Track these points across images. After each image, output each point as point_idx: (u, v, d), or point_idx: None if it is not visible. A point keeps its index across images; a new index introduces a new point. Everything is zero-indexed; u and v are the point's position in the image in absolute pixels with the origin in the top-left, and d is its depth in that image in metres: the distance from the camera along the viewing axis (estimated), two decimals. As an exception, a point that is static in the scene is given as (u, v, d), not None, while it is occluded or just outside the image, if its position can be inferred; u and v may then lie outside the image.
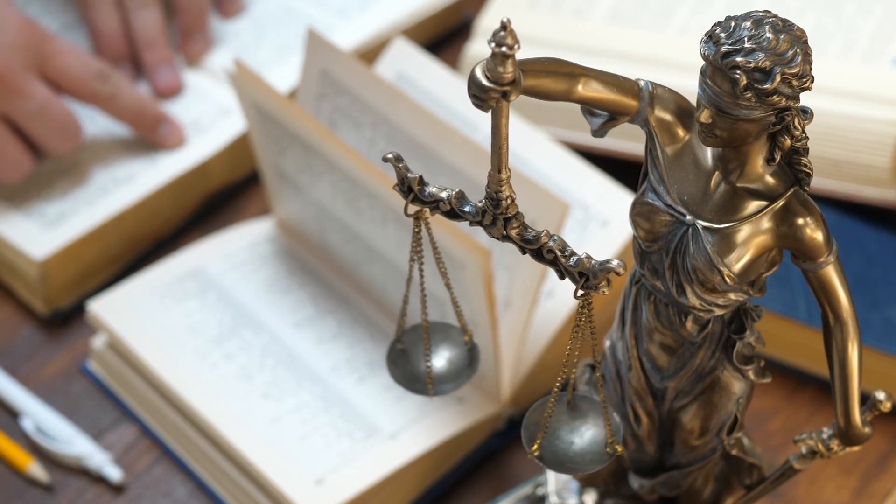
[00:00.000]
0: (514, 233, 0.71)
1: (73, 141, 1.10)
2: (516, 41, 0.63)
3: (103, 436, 1.03)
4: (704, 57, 0.68)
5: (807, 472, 0.97)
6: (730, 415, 0.79)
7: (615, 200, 1.02)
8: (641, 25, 1.14)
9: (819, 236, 0.71)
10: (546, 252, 0.71)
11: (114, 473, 1.00)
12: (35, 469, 1.00)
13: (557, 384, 0.74)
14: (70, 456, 1.01)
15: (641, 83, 0.72)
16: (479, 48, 1.15)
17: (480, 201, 0.71)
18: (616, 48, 1.12)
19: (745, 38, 0.67)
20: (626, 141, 1.08)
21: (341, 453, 0.97)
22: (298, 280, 1.07)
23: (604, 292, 0.70)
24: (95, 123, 1.15)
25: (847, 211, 1.06)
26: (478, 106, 0.66)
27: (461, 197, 0.72)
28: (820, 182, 1.06)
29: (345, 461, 0.96)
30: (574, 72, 0.69)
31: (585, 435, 0.76)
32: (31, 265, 1.07)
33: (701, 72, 0.69)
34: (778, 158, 0.71)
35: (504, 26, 0.63)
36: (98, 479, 1.01)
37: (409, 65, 1.10)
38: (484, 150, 0.93)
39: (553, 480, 0.90)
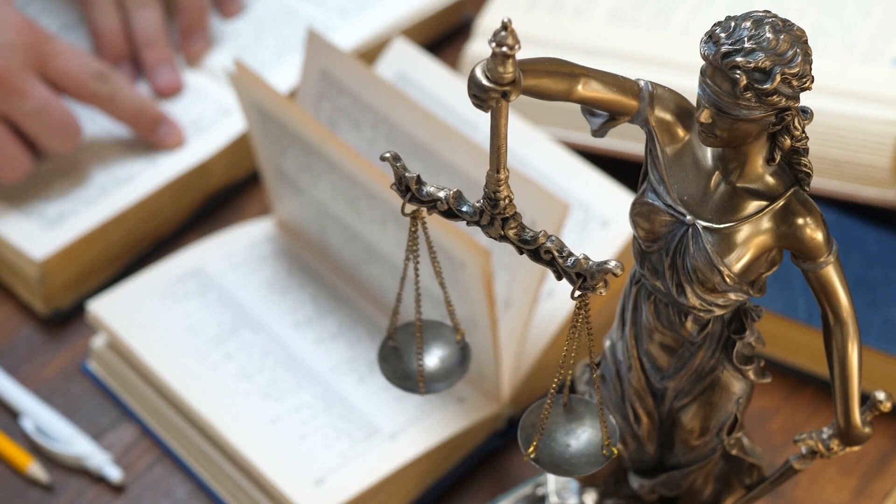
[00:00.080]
0: (511, 233, 0.71)
1: (73, 141, 1.10)
2: (517, 41, 0.63)
3: (103, 436, 1.03)
4: (704, 57, 0.68)
5: (807, 472, 0.97)
6: (730, 415, 0.79)
7: (615, 200, 1.02)
8: (641, 25, 1.14)
9: (819, 236, 0.71)
10: (543, 253, 0.71)
11: (114, 473, 1.00)
12: (35, 469, 1.00)
13: (554, 386, 0.74)
14: (70, 456, 1.01)
15: (641, 83, 0.72)
16: (479, 48, 1.15)
17: (478, 201, 0.71)
18: (616, 48, 1.12)
19: (745, 38, 0.67)
20: (626, 141, 1.08)
21: (341, 453, 0.97)
22: (298, 280, 1.07)
23: (601, 293, 0.70)
24: (95, 123, 1.15)
25: (847, 211, 1.06)
26: (478, 106, 0.66)
27: (459, 197, 0.72)
28: (820, 182, 1.06)
29: (345, 461, 0.96)
30: (574, 72, 0.69)
31: (582, 437, 0.76)
32: (31, 265, 1.07)
33: (701, 72, 0.69)
34: (778, 158, 0.71)
35: (505, 26, 0.63)
36: (98, 479, 1.01)
37: (409, 65, 1.10)
38: (484, 150, 0.93)
39: (553, 480, 0.90)
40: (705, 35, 0.69)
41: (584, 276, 0.70)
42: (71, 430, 1.01)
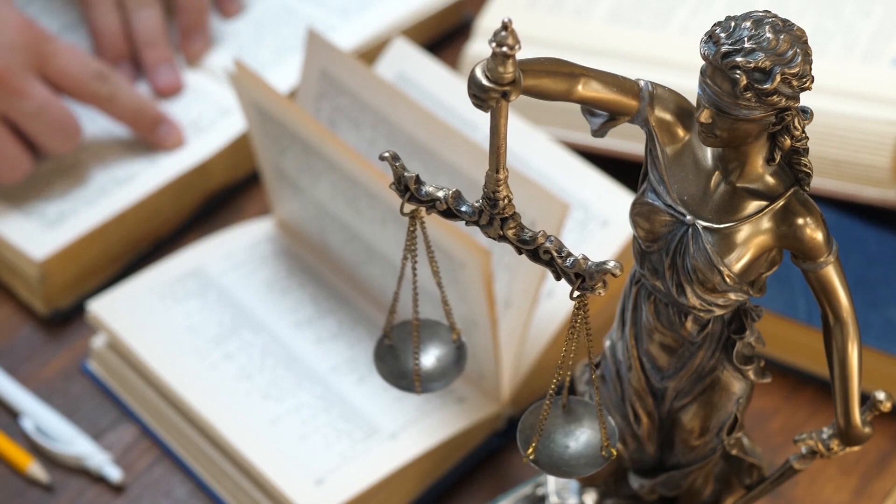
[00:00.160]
0: (510, 233, 0.71)
1: (73, 141, 1.10)
2: (517, 41, 0.63)
3: (103, 436, 1.03)
4: (704, 57, 0.68)
5: (807, 472, 0.97)
6: (730, 415, 0.79)
7: (615, 200, 1.02)
8: (641, 25, 1.14)
9: (819, 236, 0.71)
10: (542, 253, 0.71)
11: (114, 473, 1.00)
12: (35, 469, 1.00)
13: (553, 387, 0.74)
14: (70, 456, 1.01)
15: (641, 83, 0.72)
16: (479, 48, 1.15)
17: (477, 201, 0.71)
18: (616, 48, 1.12)
19: (745, 38, 0.67)
20: (626, 141, 1.08)
21: (341, 453, 0.97)
22: (298, 280, 1.07)
23: (600, 293, 0.70)
24: (95, 123, 1.15)
25: (847, 211, 1.06)
26: (478, 106, 0.66)
27: (458, 196, 0.72)
28: (820, 182, 1.06)
29: (345, 461, 0.96)
30: (574, 72, 0.69)
31: (580, 438, 0.75)
32: (31, 265, 1.07)
33: (701, 72, 0.69)
34: (778, 158, 0.71)
35: (505, 26, 0.63)
36: (98, 479, 1.01)
37: (409, 65, 1.10)
38: (484, 150, 0.93)
39: (553, 481, 0.90)
40: (705, 35, 0.69)
41: (582, 277, 0.70)
42: (71, 430, 1.01)
